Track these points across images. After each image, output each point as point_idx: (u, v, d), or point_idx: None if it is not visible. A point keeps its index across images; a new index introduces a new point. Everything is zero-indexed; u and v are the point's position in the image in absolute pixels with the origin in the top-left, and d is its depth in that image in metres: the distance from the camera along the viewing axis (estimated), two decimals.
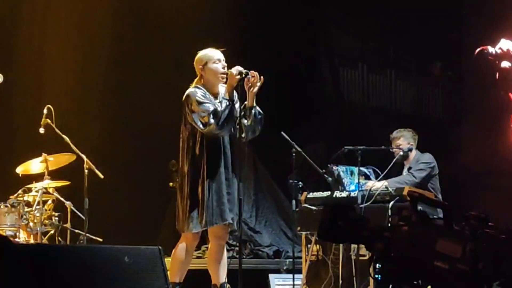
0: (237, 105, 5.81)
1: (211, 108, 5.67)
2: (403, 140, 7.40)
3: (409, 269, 3.05)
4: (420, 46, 10.64)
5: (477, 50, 6.27)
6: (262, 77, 5.74)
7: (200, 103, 5.70)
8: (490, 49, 6.43)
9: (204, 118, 5.66)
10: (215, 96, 5.85)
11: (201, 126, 5.68)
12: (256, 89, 5.74)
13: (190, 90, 5.81)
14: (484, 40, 9.24)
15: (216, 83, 5.85)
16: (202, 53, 5.87)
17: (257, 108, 5.83)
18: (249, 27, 9.77)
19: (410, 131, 7.49)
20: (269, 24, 10.00)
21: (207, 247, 6.73)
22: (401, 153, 7.29)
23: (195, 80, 5.89)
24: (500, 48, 6.66)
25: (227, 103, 5.68)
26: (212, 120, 5.64)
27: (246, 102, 5.80)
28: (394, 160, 7.23)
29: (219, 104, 5.70)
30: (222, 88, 5.87)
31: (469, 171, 9.19)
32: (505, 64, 7.89)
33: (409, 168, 7.34)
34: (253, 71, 5.73)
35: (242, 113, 5.78)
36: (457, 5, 10.09)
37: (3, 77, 6.92)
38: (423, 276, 3.04)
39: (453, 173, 8.47)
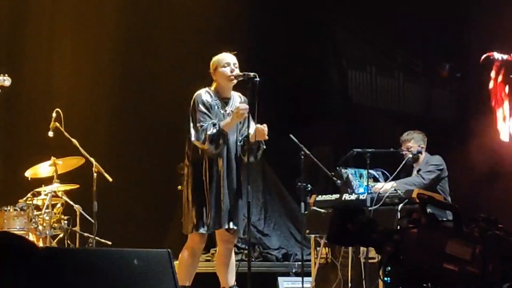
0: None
1: (205, 123, 5.69)
2: (414, 142, 7.38)
3: (419, 272, 3.04)
4: (428, 48, 10.63)
5: (483, 56, 6.22)
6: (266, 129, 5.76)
7: (199, 111, 5.74)
8: (496, 55, 6.37)
9: (194, 128, 5.72)
10: (226, 100, 5.88)
11: (191, 134, 5.72)
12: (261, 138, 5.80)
13: (198, 92, 5.86)
14: (491, 41, 9.22)
15: (226, 86, 5.89)
16: (214, 58, 5.94)
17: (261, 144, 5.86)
18: (257, 31, 9.78)
19: (420, 133, 7.47)
20: (278, 28, 10.01)
21: (215, 250, 6.74)
22: (411, 155, 7.27)
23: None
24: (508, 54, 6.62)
25: (219, 131, 5.67)
26: (200, 136, 5.67)
27: (249, 134, 5.77)
28: (404, 162, 7.19)
29: (212, 126, 5.68)
30: (235, 94, 5.91)
31: (478, 173, 9.16)
32: None
33: (418, 170, 7.32)
34: (263, 126, 5.73)
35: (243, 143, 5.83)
36: (464, 7, 10.07)
37: (11, 80, 6.92)
38: (432, 279, 3.03)
39: (462, 175, 8.44)
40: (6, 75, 6.84)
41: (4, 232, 6.32)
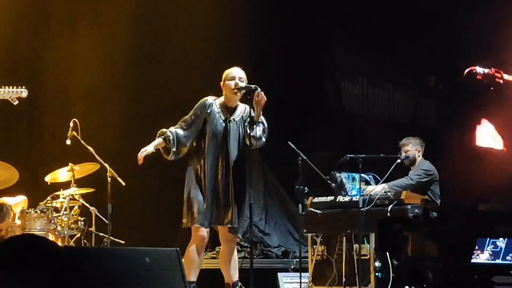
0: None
1: (179, 129, 6.02)
2: (411, 146, 7.50)
3: (420, 272, 3.08)
4: (415, 61, 10.67)
5: (466, 71, 6.23)
6: (265, 97, 5.83)
7: (191, 112, 6.00)
8: (479, 69, 6.37)
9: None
10: (232, 110, 5.98)
11: None
12: (260, 107, 5.85)
13: (208, 97, 6.03)
14: (476, 56, 9.25)
15: (231, 98, 6.01)
16: (224, 72, 6.05)
17: (262, 119, 5.92)
18: (256, 42, 9.83)
19: (418, 139, 7.59)
20: (276, 40, 10.06)
21: (220, 248, 6.79)
22: (401, 159, 7.32)
23: None
24: (490, 68, 6.61)
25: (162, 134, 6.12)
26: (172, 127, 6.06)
27: (253, 115, 5.90)
28: (394, 166, 7.25)
29: (174, 131, 6.00)
30: (242, 106, 6.04)
31: (462, 178, 9.17)
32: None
33: None
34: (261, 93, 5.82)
35: (249, 124, 5.90)
36: (451, 22, 10.11)
37: (27, 92, 6.89)
38: (433, 279, 3.08)
39: (447, 179, 8.46)
40: (24, 87, 6.81)
41: (28, 234, 6.40)
